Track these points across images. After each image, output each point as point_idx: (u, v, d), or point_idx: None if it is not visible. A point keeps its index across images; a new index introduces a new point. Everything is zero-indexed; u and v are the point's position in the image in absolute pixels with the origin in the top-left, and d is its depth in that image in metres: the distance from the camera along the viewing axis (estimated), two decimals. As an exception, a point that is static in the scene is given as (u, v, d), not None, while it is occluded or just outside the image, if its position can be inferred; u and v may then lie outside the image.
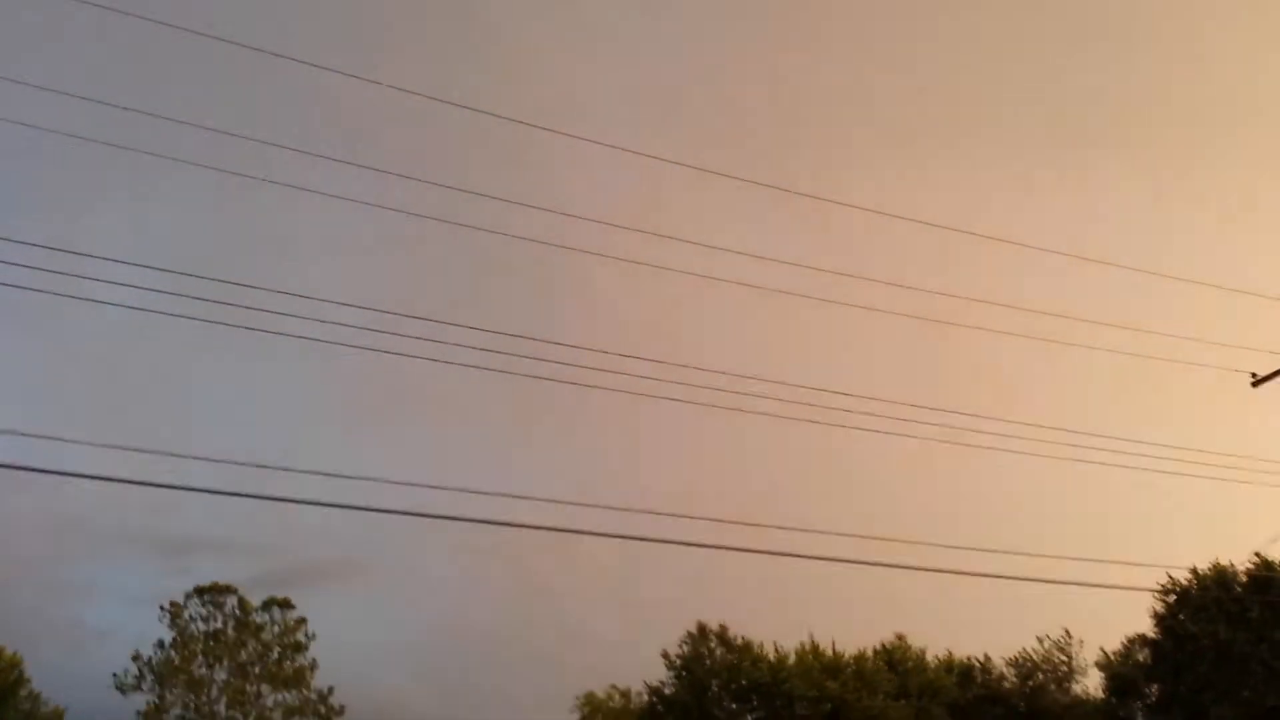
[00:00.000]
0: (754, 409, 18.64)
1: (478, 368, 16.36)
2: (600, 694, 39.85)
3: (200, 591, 44.38)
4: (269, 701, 44.21)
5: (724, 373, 18.07)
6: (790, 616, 44.85)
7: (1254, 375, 25.59)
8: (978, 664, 40.43)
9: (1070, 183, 67.26)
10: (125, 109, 15.14)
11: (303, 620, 45.35)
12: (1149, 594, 35.49)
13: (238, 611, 44.46)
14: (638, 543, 16.65)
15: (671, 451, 57.90)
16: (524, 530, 16.32)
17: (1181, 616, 35.62)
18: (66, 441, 13.33)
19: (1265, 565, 34.87)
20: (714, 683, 37.13)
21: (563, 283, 58.35)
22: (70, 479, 13.49)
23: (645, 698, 38.28)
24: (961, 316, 23.02)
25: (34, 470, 13.34)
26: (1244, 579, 35.25)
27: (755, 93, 67.42)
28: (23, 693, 41.11)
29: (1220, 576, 35.38)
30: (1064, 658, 40.11)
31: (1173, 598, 35.95)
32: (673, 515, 16.56)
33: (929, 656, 40.25)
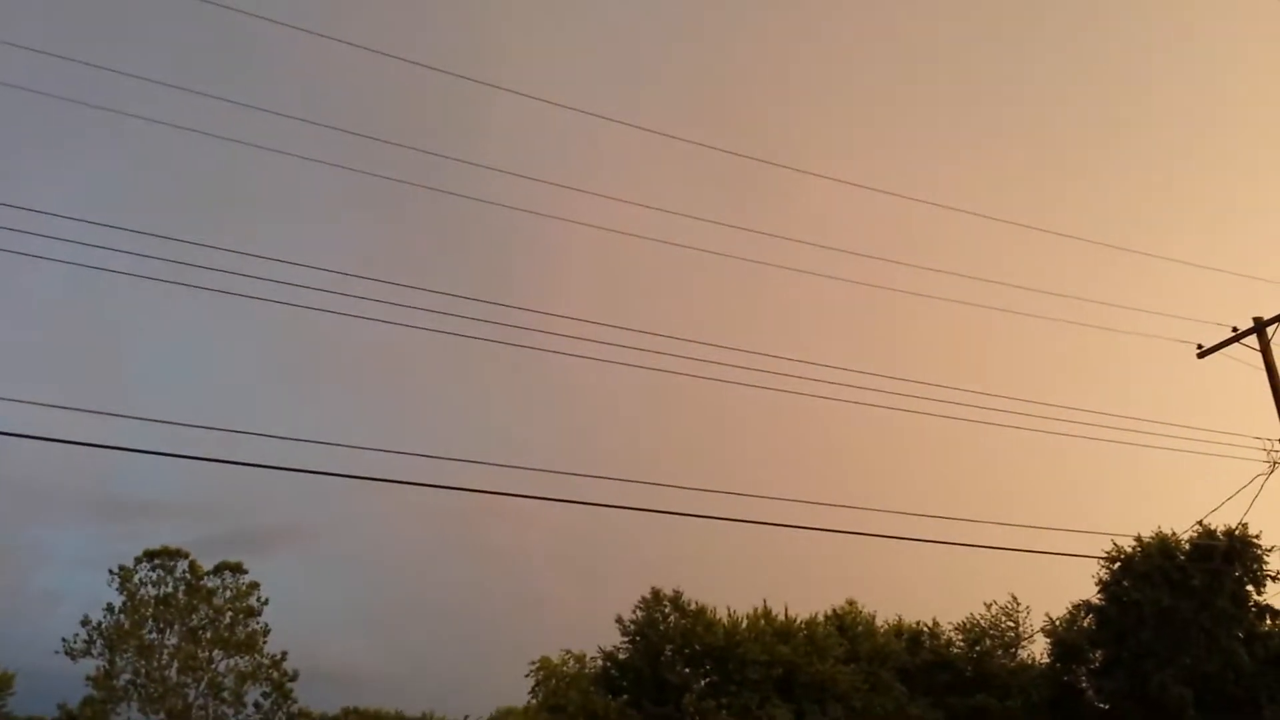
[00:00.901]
0: (710, 375, 18.72)
1: (433, 330, 16.30)
2: (554, 658, 39.93)
3: (150, 555, 43.94)
4: (221, 667, 43.97)
5: (680, 338, 18.11)
6: (744, 581, 45.33)
7: (1199, 346, 26.06)
8: (926, 629, 40.95)
9: (1019, 153, 67.78)
10: (76, 61, 14.86)
11: (255, 584, 45.07)
12: (1094, 561, 36.16)
13: (188, 576, 44.09)
14: (592, 508, 16.72)
15: (627, 417, 58.07)
16: (478, 495, 16.31)
17: (1125, 583, 36.28)
18: (12, 401, 13.14)
19: (1207, 534, 35.55)
20: (668, 647, 37.35)
21: (519, 246, 58.17)
22: (15, 439, 13.30)
23: (599, 662, 38.42)
24: (914, 285, 23.21)
25: (-21, 430, 13.13)
26: (1186, 547, 35.92)
27: (715, 55, 67.24)
28: (-31, 657, 40.70)
29: (1163, 545, 36.02)
30: (1010, 623, 40.73)
31: (1117, 565, 36.59)
32: (628, 481, 16.61)
33: (879, 622, 40.74)
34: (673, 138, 21.87)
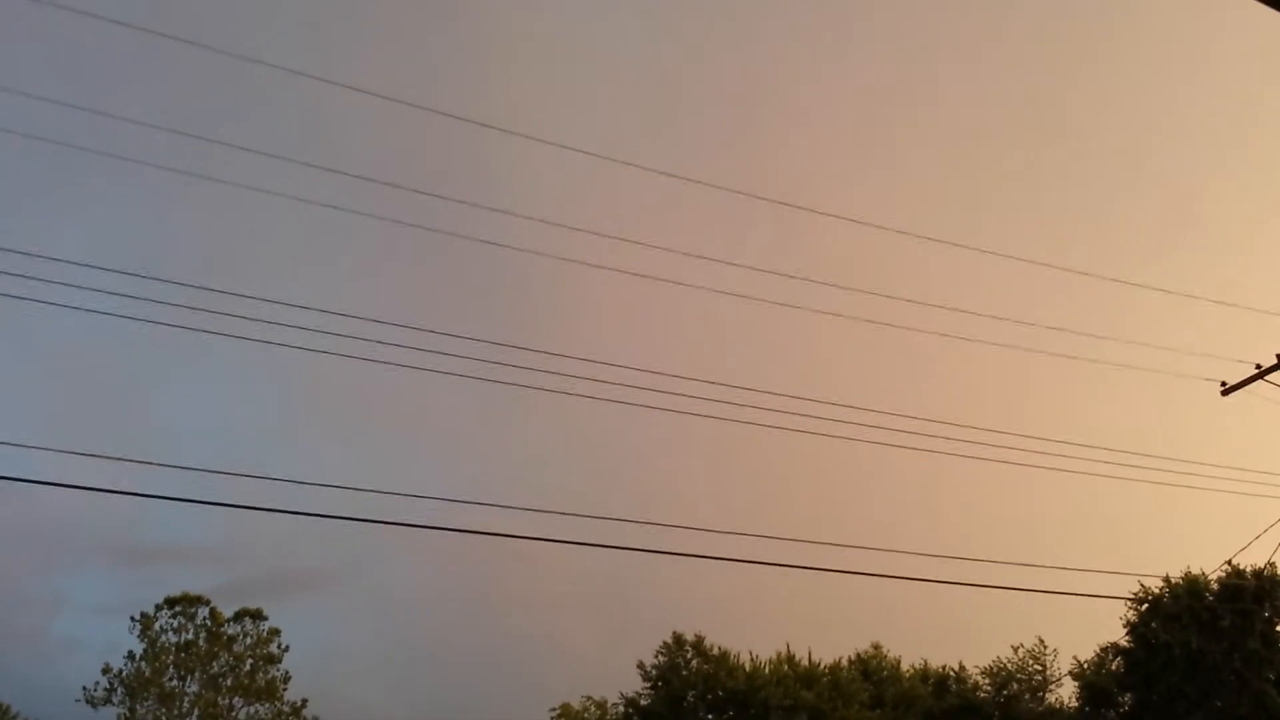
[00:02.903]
0: (730, 416, 18.64)
1: (449, 374, 16.31)
2: (575, 705, 39.64)
3: (171, 602, 43.94)
4: (242, 714, 43.80)
5: (698, 380, 18.06)
6: (766, 626, 44.93)
7: (1223, 384, 25.81)
8: (952, 673, 40.43)
9: (1041, 192, 67.77)
10: (90, 111, 15.03)
11: (276, 631, 44.99)
12: (1121, 602, 35.65)
13: (209, 623, 44.05)
14: (613, 552, 16.62)
15: (646, 459, 57.92)
16: (498, 539, 16.23)
17: (1154, 625, 35.72)
18: (31, 448, 13.17)
19: (1237, 574, 35.00)
20: (690, 693, 37.01)
21: (536, 289, 58.37)
22: (35, 486, 13.32)
23: (621, 708, 38.10)
24: (934, 325, 23.12)
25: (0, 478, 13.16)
26: (1215, 588, 35.40)
27: (730, 98, 67.65)
28: (-9, 705, 40.65)
29: (1192, 585, 35.48)
30: (1038, 667, 40.11)
31: (1145, 606, 36.06)
32: (648, 524, 16.51)
33: (904, 666, 40.29)
34: (693, 181, 21.96)
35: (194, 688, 43.28)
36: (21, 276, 13.48)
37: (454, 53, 63.43)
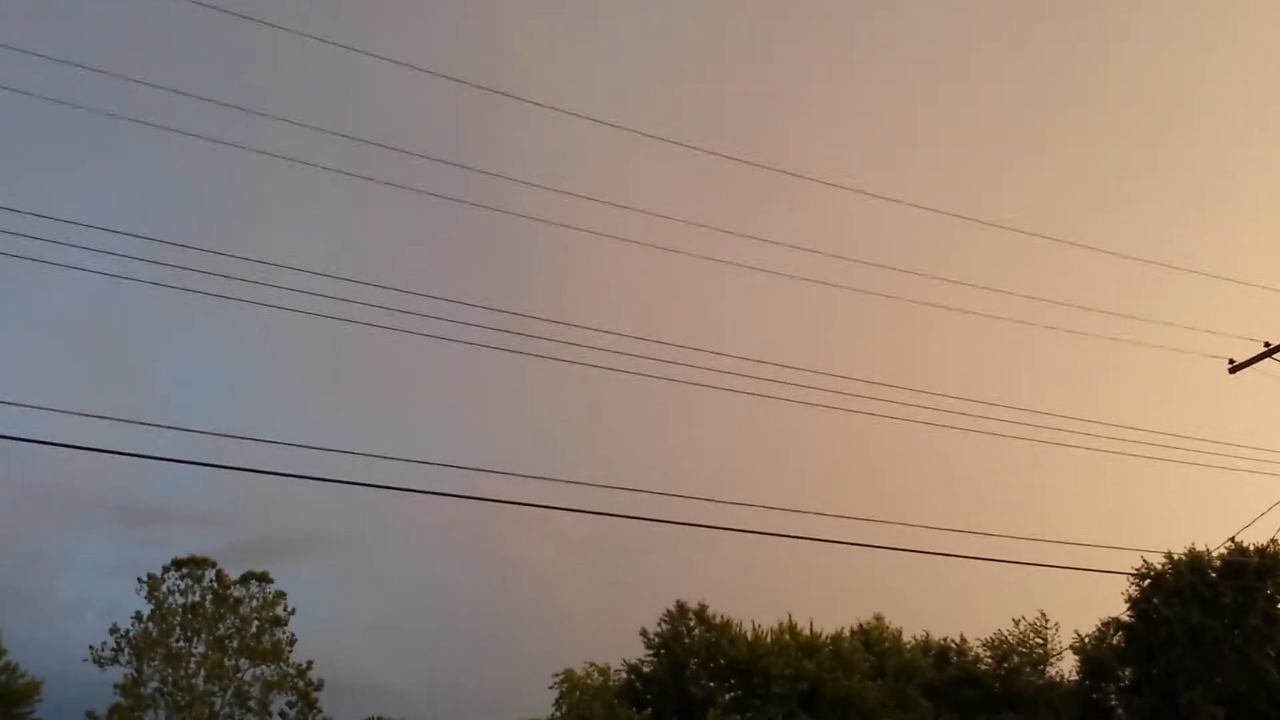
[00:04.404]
0: (733, 387, 18.59)
1: (456, 341, 16.28)
2: (578, 671, 39.89)
3: (178, 564, 44.16)
4: (247, 675, 44.10)
5: (702, 349, 18.00)
6: (769, 596, 45.11)
7: (1231, 361, 25.67)
8: (954, 645, 40.64)
9: (1050, 167, 67.40)
10: (94, 70, 14.94)
11: (282, 594, 45.22)
12: (1124, 578, 35.74)
13: (216, 585, 44.28)
14: (617, 520, 16.63)
15: (651, 428, 58.03)
16: (502, 506, 16.24)
17: (1155, 601, 35.83)
18: (38, 409, 13.19)
19: (1239, 551, 35.06)
20: (692, 661, 37.24)
21: (538, 256, 58.32)
22: (42, 447, 13.34)
23: (623, 675, 38.36)
24: (941, 298, 23.01)
25: (5, 438, 13.19)
26: (1218, 564, 35.46)
27: (740, 68, 67.31)
28: (-1, 663, 41.03)
29: (1194, 562, 35.56)
30: (1039, 640, 40.35)
31: (1147, 582, 36.15)
32: (652, 493, 16.51)
33: (906, 637, 40.49)
34: (703, 151, 21.82)
35: (200, 649, 43.57)
36: (26, 237, 13.45)
37: (464, 16, 63.11)
